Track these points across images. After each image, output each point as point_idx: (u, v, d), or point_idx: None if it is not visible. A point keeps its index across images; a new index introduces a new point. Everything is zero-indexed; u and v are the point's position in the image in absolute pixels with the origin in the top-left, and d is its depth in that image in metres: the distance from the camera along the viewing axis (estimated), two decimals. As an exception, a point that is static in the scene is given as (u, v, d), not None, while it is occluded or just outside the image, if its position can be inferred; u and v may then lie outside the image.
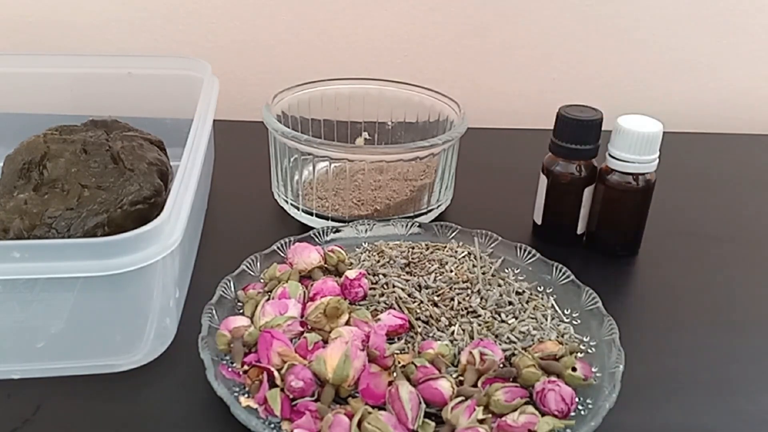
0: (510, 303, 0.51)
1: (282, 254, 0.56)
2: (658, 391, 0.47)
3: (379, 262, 0.55)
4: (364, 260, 0.55)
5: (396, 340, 0.48)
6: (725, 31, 0.87)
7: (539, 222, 0.63)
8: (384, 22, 0.85)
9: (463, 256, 0.56)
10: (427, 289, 0.52)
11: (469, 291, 0.52)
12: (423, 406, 0.42)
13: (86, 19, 0.83)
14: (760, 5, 0.86)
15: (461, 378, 0.45)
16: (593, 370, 0.46)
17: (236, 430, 0.41)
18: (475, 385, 0.44)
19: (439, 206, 0.65)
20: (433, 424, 0.41)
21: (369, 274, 0.53)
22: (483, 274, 0.54)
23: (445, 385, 0.42)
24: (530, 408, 0.41)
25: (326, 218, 0.62)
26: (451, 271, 0.54)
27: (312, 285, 0.51)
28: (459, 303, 0.51)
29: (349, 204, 0.62)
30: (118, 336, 0.47)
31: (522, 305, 0.51)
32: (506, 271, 0.56)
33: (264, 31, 0.85)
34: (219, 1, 0.83)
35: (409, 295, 0.51)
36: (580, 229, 0.62)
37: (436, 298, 0.51)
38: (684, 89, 0.90)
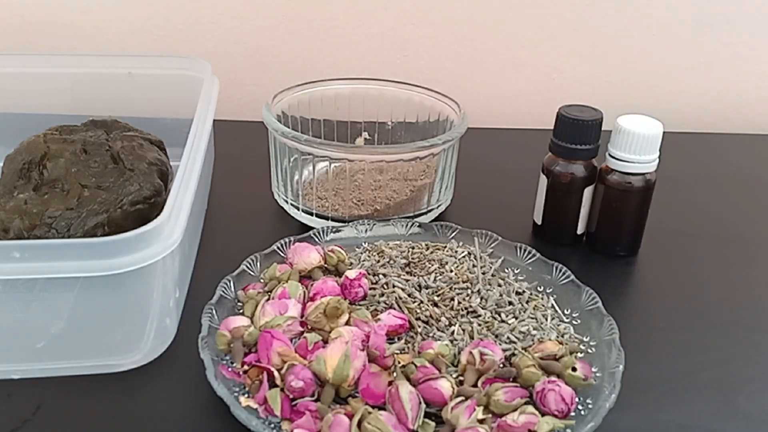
0: (510, 303, 0.51)
1: (282, 254, 0.56)
2: (658, 391, 0.47)
3: (379, 262, 0.55)
4: (364, 260, 0.55)
5: (396, 340, 0.48)
6: (725, 31, 0.87)
7: (539, 222, 0.63)
8: (384, 22, 0.85)
9: (463, 256, 0.56)
10: (427, 289, 0.52)
11: (469, 291, 0.52)
12: (423, 406, 0.42)
13: (86, 19, 0.83)
14: (759, 5, 0.86)
15: (461, 378, 0.45)
16: (593, 370, 0.46)
17: (236, 430, 0.41)
18: (475, 385, 0.44)
19: (439, 206, 0.65)
20: (433, 424, 0.41)
21: (369, 274, 0.53)
22: (483, 274, 0.54)
23: (445, 385, 0.42)
24: (530, 408, 0.41)
25: (326, 218, 0.62)
26: (451, 271, 0.54)
27: (312, 285, 0.51)
28: (459, 303, 0.51)
29: (349, 204, 0.62)
30: (118, 336, 0.47)
31: (522, 305, 0.51)
32: (506, 271, 0.56)
33: (264, 31, 0.85)
34: (219, 1, 0.83)
35: (409, 295, 0.51)
36: (580, 229, 0.62)
37: (436, 298, 0.51)
38: (684, 89, 0.90)
